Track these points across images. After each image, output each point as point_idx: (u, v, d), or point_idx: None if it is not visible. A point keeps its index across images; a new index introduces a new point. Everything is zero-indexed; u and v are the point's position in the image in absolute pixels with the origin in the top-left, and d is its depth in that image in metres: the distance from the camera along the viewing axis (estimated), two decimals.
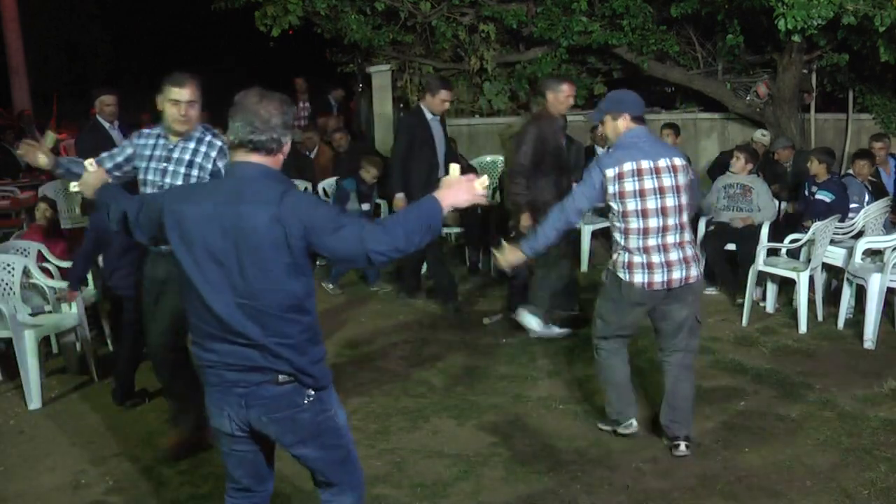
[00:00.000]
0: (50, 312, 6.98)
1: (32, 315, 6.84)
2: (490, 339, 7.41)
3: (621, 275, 5.01)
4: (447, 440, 5.50)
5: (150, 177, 5.00)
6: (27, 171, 13.37)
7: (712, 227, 8.51)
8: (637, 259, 4.95)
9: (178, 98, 4.89)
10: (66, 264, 7.48)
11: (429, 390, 6.36)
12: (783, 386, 6.21)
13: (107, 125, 8.50)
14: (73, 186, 4.22)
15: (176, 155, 4.98)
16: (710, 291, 8.41)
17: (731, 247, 8.33)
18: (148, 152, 5.04)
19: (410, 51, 12.79)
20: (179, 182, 4.89)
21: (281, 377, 3.23)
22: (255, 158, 3.19)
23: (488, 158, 11.33)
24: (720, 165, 9.61)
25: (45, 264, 7.32)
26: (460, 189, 3.26)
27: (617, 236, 5.04)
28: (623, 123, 5.04)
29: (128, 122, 8.85)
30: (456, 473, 5.04)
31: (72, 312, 6.86)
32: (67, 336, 7.00)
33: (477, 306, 8.39)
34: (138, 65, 25.35)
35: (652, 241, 4.92)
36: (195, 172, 4.96)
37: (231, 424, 3.33)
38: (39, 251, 7.39)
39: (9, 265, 6.82)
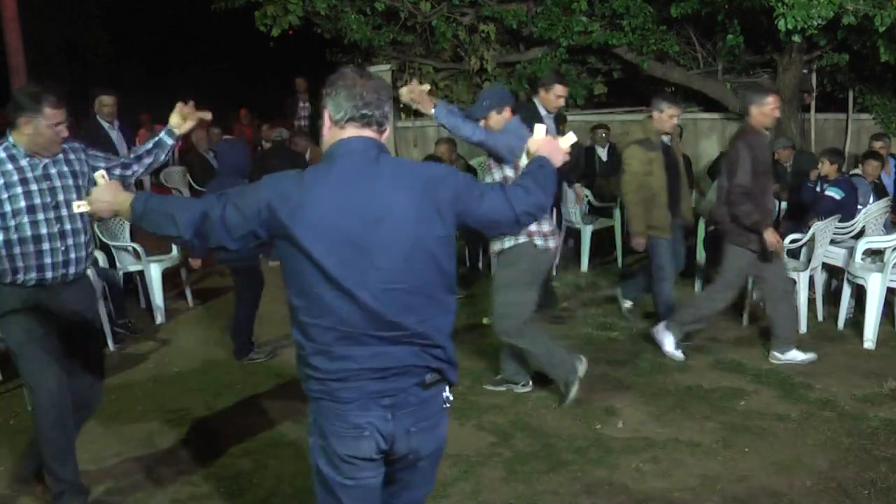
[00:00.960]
0: None
1: None
2: (490, 338, 7.40)
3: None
4: (448, 440, 5.48)
5: (37, 201, 4.45)
6: None
7: (712, 228, 8.50)
8: None
9: (61, 120, 4.47)
10: None
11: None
12: (783, 386, 6.22)
13: (106, 125, 8.50)
14: (79, 206, 3.33)
15: (54, 170, 4.52)
16: None
17: None
18: (17, 177, 4.45)
19: (410, 51, 12.80)
20: (73, 197, 4.48)
21: (428, 377, 2.95)
22: (368, 133, 2.94)
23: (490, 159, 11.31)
24: (717, 168, 9.60)
25: None
26: (552, 149, 3.29)
27: None
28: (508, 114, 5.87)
29: (127, 122, 8.85)
30: (456, 473, 5.03)
31: None
32: None
33: (477, 305, 8.38)
34: (138, 65, 25.38)
35: None
36: (82, 182, 4.61)
37: (371, 446, 2.94)
38: None
39: None
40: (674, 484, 4.84)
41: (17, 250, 4.46)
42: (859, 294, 7.47)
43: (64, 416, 4.64)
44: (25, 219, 4.46)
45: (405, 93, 5.74)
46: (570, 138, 3.42)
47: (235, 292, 7.40)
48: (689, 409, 5.83)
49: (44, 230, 4.50)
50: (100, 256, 8.11)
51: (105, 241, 8.37)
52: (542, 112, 7.47)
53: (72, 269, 4.62)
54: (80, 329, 4.73)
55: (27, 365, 4.56)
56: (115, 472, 5.27)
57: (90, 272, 5.11)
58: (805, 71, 11.32)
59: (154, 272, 8.42)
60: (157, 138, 4.96)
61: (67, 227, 4.57)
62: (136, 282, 8.85)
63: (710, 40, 11.78)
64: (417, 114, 12.72)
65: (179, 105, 4.97)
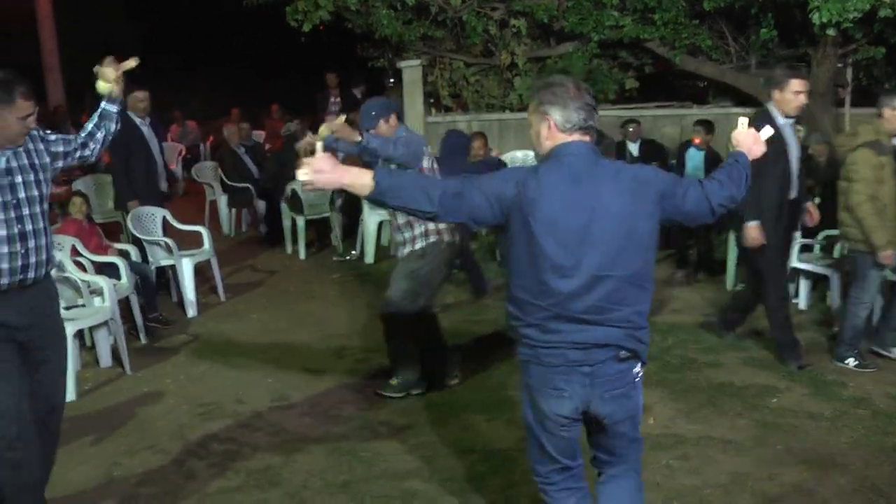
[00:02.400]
0: (83, 306, 7.04)
1: (66, 309, 6.90)
2: None
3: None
4: (478, 435, 5.50)
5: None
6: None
7: None
8: None
9: (31, 112, 4.21)
10: (101, 258, 7.55)
11: (460, 385, 6.36)
12: (816, 384, 6.16)
13: (138, 120, 8.55)
14: (304, 175, 3.23)
15: (15, 164, 4.22)
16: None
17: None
18: None
19: (441, 46, 12.78)
20: (35, 194, 4.28)
21: (622, 353, 3.31)
22: (587, 139, 3.36)
23: (518, 154, 11.30)
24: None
25: (79, 258, 7.38)
26: (753, 142, 3.69)
27: None
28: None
29: (158, 118, 8.92)
30: (487, 468, 5.04)
31: (105, 306, 6.92)
32: (100, 329, 7.05)
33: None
34: (169, 61, 25.51)
35: None
36: (43, 176, 4.35)
37: (569, 407, 3.35)
38: (73, 245, 7.45)
39: None
40: (704, 481, 4.81)
41: None
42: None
43: (23, 436, 4.19)
44: None
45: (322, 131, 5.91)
46: (767, 131, 3.79)
47: None
48: (720, 406, 5.79)
49: (2, 231, 4.12)
50: (132, 251, 8.17)
51: (138, 235, 8.43)
52: (780, 120, 6.19)
53: (31, 274, 4.22)
54: (42, 339, 4.35)
55: None
56: (146, 464, 5.31)
57: (53, 273, 5.02)
58: (840, 65, 11.17)
59: (186, 266, 8.47)
60: (100, 110, 4.74)
61: (28, 227, 4.21)
62: (168, 276, 8.90)
63: (744, 34, 11.66)
64: (448, 109, 12.78)
65: (100, 68, 4.80)
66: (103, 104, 4.74)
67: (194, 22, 25.22)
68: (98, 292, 7.06)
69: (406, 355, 6.16)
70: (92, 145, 4.67)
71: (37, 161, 4.32)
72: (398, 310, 6.03)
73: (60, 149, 4.49)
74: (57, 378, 4.52)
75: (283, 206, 11.05)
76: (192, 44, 25.47)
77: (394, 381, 6.20)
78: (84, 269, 7.26)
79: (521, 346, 3.41)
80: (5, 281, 4.13)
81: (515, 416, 5.69)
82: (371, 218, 10.15)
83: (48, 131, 4.53)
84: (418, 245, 5.99)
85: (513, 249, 3.32)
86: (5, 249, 4.11)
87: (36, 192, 4.28)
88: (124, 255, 7.95)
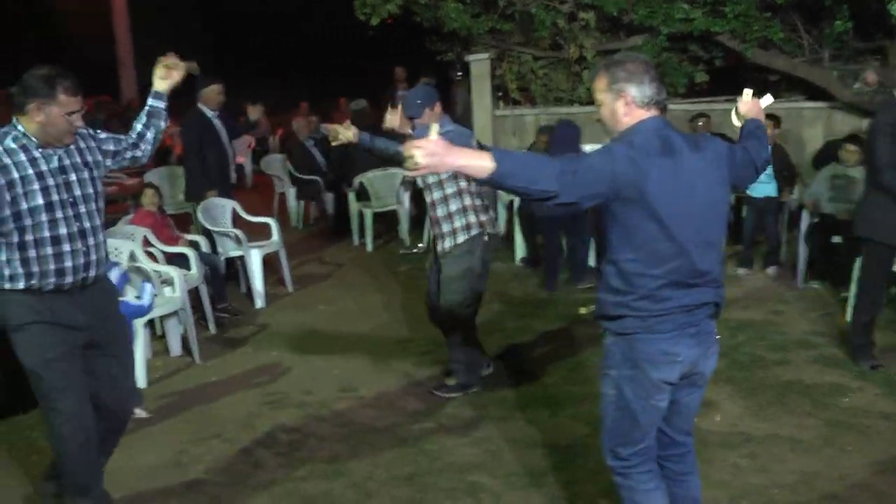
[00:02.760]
0: (154, 296, 7.16)
1: (137, 298, 7.02)
2: (587, 328, 7.36)
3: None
4: (542, 430, 5.49)
5: (54, 197, 4.13)
6: None
7: (817, 219, 8.30)
8: None
9: (76, 109, 4.16)
10: (172, 249, 7.68)
11: (525, 379, 6.36)
12: (889, 383, 6.03)
13: (210, 114, 8.68)
14: (412, 157, 3.04)
15: (68, 162, 4.21)
16: (814, 286, 8.24)
17: (836, 239, 8.09)
18: (31, 171, 4.09)
19: (509, 39, 12.75)
20: (91, 192, 4.29)
21: (714, 310, 3.53)
22: (661, 115, 3.47)
23: (587, 148, 11.23)
24: (826, 155, 9.36)
25: (151, 249, 7.51)
26: (757, 109, 4.04)
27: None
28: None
29: (227, 110, 9.05)
30: (550, 463, 5.03)
31: (175, 296, 7.04)
32: (171, 319, 7.17)
33: (574, 295, 8.34)
34: (238, 54, 25.83)
35: None
36: (97, 173, 4.35)
37: (678, 370, 3.46)
38: (145, 236, 7.58)
39: (116, 249, 7.01)
40: (772, 480, 4.74)
41: (32, 253, 4.08)
42: None
43: (87, 440, 4.31)
44: (44, 217, 4.08)
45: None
46: (767, 99, 4.11)
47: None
48: (789, 405, 5.71)
49: (63, 230, 4.12)
50: (202, 242, 8.29)
51: (208, 226, 8.56)
52: None
53: (92, 272, 4.26)
54: (106, 337, 4.39)
55: (44, 387, 4.19)
56: (214, 452, 5.39)
57: (115, 271, 5.08)
58: None
59: (255, 257, 8.57)
60: (147, 108, 4.63)
61: (87, 225, 4.22)
62: (237, 267, 9.02)
63: (817, 26, 11.45)
64: (515, 102, 12.76)
65: (162, 58, 4.62)
66: (151, 101, 4.64)
67: (264, 16, 25.49)
68: (169, 282, 7.18)
69: (466, 356, 6.13)
70: (143, 146, 4.62)
71: (89, 159, 4.30)
72: (459, 313, 6.01)
73: (111, 147, 4.46)
74: (122, 371, 4.53)
75: (351, 199, 11.12)
76: (262, 37, 25.76)
77: (450, 381, 6.20)
78: (155, 260, 7.39)
79: (626, 320, 3.41)
80: (69, 279, 4.16)
81: (579, 411, 5.68)
82: None
83: (98, 130, 4.53)
84: (460, 238, 5.91)
85: (625, 224, 3.34)
86: (67, 247, 4.14)
87: (91, 190, 4.27)
88: (194, 246, 8.07)
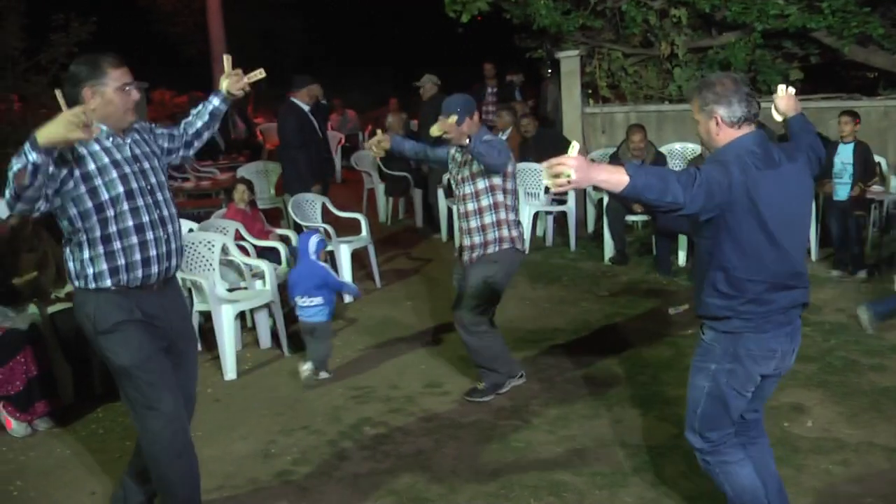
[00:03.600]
0: (245, 289, 7.30)
1: (229, 291, 7.17)
2: (676, 329, 7.28)
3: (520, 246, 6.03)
4: (628, 430, 5.45)
5: (134, 185, 4.00)
6: (227, 154, 14.01)
7: None
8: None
9: (128, 80, 4.02)
10: (263, 243, 7.80)
11: (611, 378, 6.32)
12: None
13: (306, 108, 8.84)
14: (562, 174, 3.18)
15: (139, 151, 4.11)
16: None
17: None
18: (107, 159, 3.97)
19: (599, 36, 12.65)
20: (163, 179, 4.20)
21: (803, 308, 3.82)
22: (754, 127, 3.71)
23: (677, 146, 11.10)
24: None
25: (243, 242, 7.64)
26: (794, 103, 4.33)
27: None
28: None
29: (316, 107, 9.22)
30: (636, 464, 4.99)
31: (266, 289, 7.15)
32: (261, 311, 7.29)
33: (663, 296, 8.25)
34: (328, 51, 26.11)
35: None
36: (161, 163, 4.26)
37: (774, 365, 3.77)
38: (237, 230, 7.72)
39: (209, 242, 7.15)
40: (865, 489, 4.63)
41: (117, 244, 3.95)
42: None
43: (185, 444, 4.20)
44: (125, 206, 3.95)
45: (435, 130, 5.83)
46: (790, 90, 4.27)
47: None
48: (885, 412, 5.56)
49: (145, 217, 4.00)
50: (293, 236, 8.40)
51: (298, 221, 8.67)
52: None
53: (174, 261, 4.18)
54: (182, 337, 4.31)
55: (142, 387, 4.03)
56: (301, 444, 5.47)
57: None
58: None
59: (344, 252, 8.66)
60: (211, 107, 4.53)
61: (165, 212, 4.11)
62: (326, 261, 9.11)
63: None
64: (605, 100, 12.66)
65: (231, 71, 4.55)
66: (217, 103, 4.53)
67: (354, 12, 25.71)
68: (260, 276, 7.30)
69: (491, 358, 6.05)
70: (196, 144, 4.54)
71: (156, 148, 4.23)
72: (474, 322, 5.93)
73: (165, 144, 4.36)
74: (194, 371, 4.47)
75: (440, 195, 11.16)
76: (352, 34, 25.99)
77: (480, 386, 6.12)
78: (247, 253, 7.52)
79: (732, 321, 3.68)
80: (155, 269, 4.04)
81: (667, 412, 5.62)
82: (526, 208, 10.15)
83: (154, 124, 4.46)
84: (490, 250, 5.89)
85: (732, 234, 3.57)
86: (151, 235, 4.02)
87: (163, 178, 4.19)
88: (285, 240, 8.18)
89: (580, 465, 5.01)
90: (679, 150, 11.02)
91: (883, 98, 11.21)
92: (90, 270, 3.95)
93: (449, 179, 5.96)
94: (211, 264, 7.09)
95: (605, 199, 9.68)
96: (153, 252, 4.04)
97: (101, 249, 3.93)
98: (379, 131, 6.11)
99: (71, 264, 4.01)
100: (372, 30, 25.85)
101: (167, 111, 17.65)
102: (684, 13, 11.79)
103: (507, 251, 5.92)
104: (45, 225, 6.65)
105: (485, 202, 5.87)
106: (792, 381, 5.92)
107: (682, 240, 9.05)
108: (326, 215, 9.12)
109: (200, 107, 4.57)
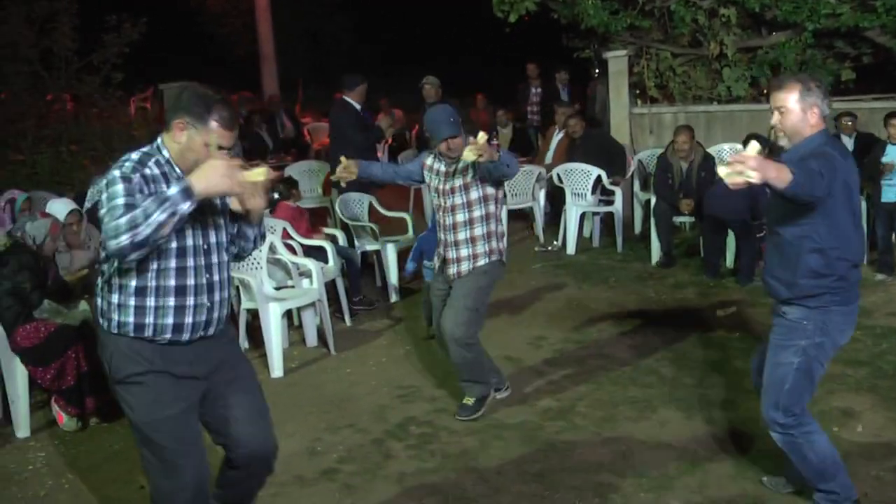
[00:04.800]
0: (292, 287, 7.35)
1: (276, 289, 7.22)
2: (723, 331, 7.22)
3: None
4: (674, 432, 5.42)
5: (188, 242, 3.59)
6: (274, 153, 14.12)
7: None
8: None
9: (226, 146, 3.57)
10: (310, 242, 7.85)
11: (658, 380, 6.28)
12: None
13: (358, 107, 8.94)
14: (748, 174, 3.42)
15: (207, 202, 3.57)
16: None
17: None
18: None
19: (648, 36, 12.59)
20: (224, 240, 3.73)
21: None
22: None
23: (726, 146, 11.00)
24: None
25: (290, 241, 7.69)
26: None
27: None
28: None
29: (366, 106, 9.29)
30: (682, 467, 4.96)
31: (313, 288, 7.20)
32: (308, 310, 7.34)
33: (710, 298, 8.19)
34: (376, 51, 26.19)
35: None
36: (225, 219, 3.79)
37: (851, 334, 4.29)
38: (284, 228, 7.77)
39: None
40: None
41: (151, 302, 3.53)
42: None
43: None
44: (173, 263, 3.53)
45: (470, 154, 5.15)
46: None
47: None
48: None
49: (191, 280, 3.57)
50: (340, 235, 8.45)
51: (345, 220, 8.72)
52: None
53: (212, 330, 3.70)
54: (231, 376, 3.83)
55: (161, 451, 3.62)
56: (347, 442, 5.51)
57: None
58: None
59: (390, 252, 8.68)
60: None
61: (216, 277, 3.67)
62: (372, 260, 9.16)
63: None
64: (654, 100, 12.59)
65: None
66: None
67: (402, 12, 25.79)
68: (307, 274, 7.35)
69: (482, 371, 5.85)
70: (241, 243, 3.88)
71: (227, 202, 3.76)
72: (469, 336, 5.69)
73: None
74: (263, 410, 3.95)
75: None
76: (400, 33, 26.07)
77: (468, 401, 5.85)
78: (294, 252, 7.57)
79: (825, 297, 4.07)
80: (186, 336, 3.60)
81: (713, 415, 5.59)
82: (573, 209, 10.12)
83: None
84: (481, 262, 5.64)
85: (831, 218, 3.98)
86: (191, 301, 3.58)
87: (224, 239, 3.74)
88: (332, 239, 8.23)
89: (625, 467, 4.99)
90: (728, 151, 10.91)
91: None
92: (115, 316, 3.56)
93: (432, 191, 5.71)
94: (259, 263, 7.15)
95: (653, 201, 9.62)
96: (189, 319, 3.60)
97: (131, 301, 3.53)
98: (343, 158, 5.77)
99: (99, 300, 3.65)
100: (420, 29, 25.89)
101: None
102: (733, 12, 11.70)
103: (495, 263, 5.72)
104: (93, 221, 6.77)
105: (477, 213, 5.62)
106: (842, 386, 5.85)
107: (730, 242, 8.96)
108: (373, 214, 9.15)
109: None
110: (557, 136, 11.33)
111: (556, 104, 12.39)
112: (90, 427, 5.95)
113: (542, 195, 10.92)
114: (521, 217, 11.42)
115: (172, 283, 3.55)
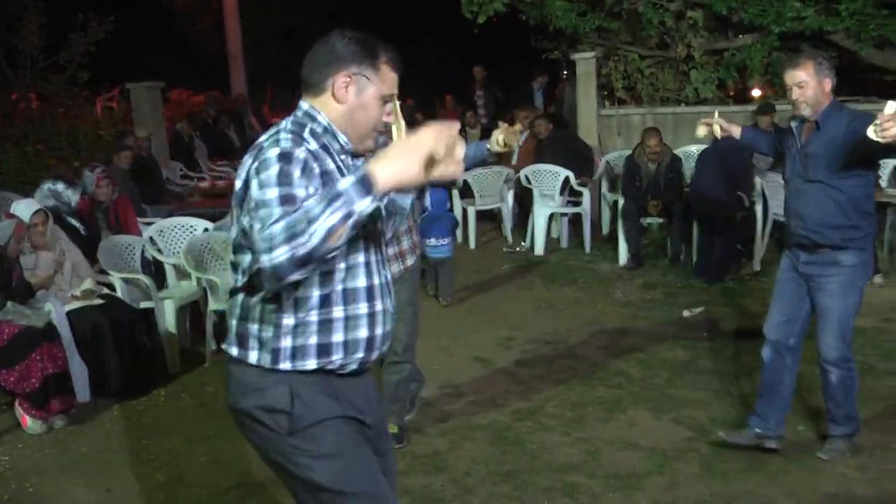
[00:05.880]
0: None
1: None
2: (691, 332, 7.27)
3: None
4: (643, 432, 5.44)
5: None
6: (243, 153, 14.05)
7: None
8: None
9: (393, 91, 2.77)
10: None
11: (626, 381, 6.31)
12: None
13: None
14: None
15: None
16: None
17: None
18: None
19: (616, 37, 12.65)
20: (403, 227, 3.63)
21: None
22: None
23: (692, 148, 11.06)
24: None
25: None
26: None
27: None
28: None
29: None
30: (651, 466, 4.98)
31: None
32: None
33: (678, 299, 8.24)
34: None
35: None
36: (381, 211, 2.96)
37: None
38: None
39: (224, 242, 7.17)
40: (882, 494, 4.60)
41: (339, 311, 2.66)
42: None
43: None
44: (361, 258, 2.70)
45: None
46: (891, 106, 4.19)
47: None
48: None
49: (376, 279, 2.75)
50: None
51: None
52: None
53: (384, 346, 2.85)
54: (384, 431, 3.06)
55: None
56: None
57: None
58: None
59: None
60: None
61: (386, 278, 2.84)
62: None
63: None
64: (622, 102, 12.65)
65: None
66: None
67: (378, 13, 25.75)
68: None
69: (407, 391, 5.51)
70: (396, 220, 3.11)
71: None
72: (412, 341, 5.35)
73: None
74: (394, 475, 3.09)
75: (455, 196, 11.17)
76: (379, 33, 26.01)
77: (397, 430, 5.27)
78: None
79: (868, 239, 4.74)
80: (375, 356, 2.80)
81: (682, 414, 5.62)
82: (542, 210, 10.15)
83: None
84: (409, 261, 5.17)
85: (869, 175, 4.68)
86: (380, 306, 2.76)
87: (402, 225, 3.18)
88: None
89: (595, 467, 5.00)
90: (695, 153, 10.98)
91: None
92: (285, 343, 2.64)
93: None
94: (226, 262, 7.10)
95: (621, 202, 9.66)
96: (379, 331, 2.76)
97: (313, 315, 2.63)
98: None
99: (252, 326, 2.67)
100: (393, 30, 25.88)
101: (184, 110, 17.69)
102: (701, 15, 11.78)
103: (417, 260, 5.31)
104: (58, 221, 6.71)
105: None
106: (808, 385, 5.90)
107: (696, 243, 9.02)
108: None
109: None
110: (521, 138, 11.36)
111: (517, 107, 12.48)
112: (55, 430, 5.89)
113: (510, 196, 10.94)
114: (489, 218, 11.44)
115: (362, 283, 2.71)
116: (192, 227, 7.83)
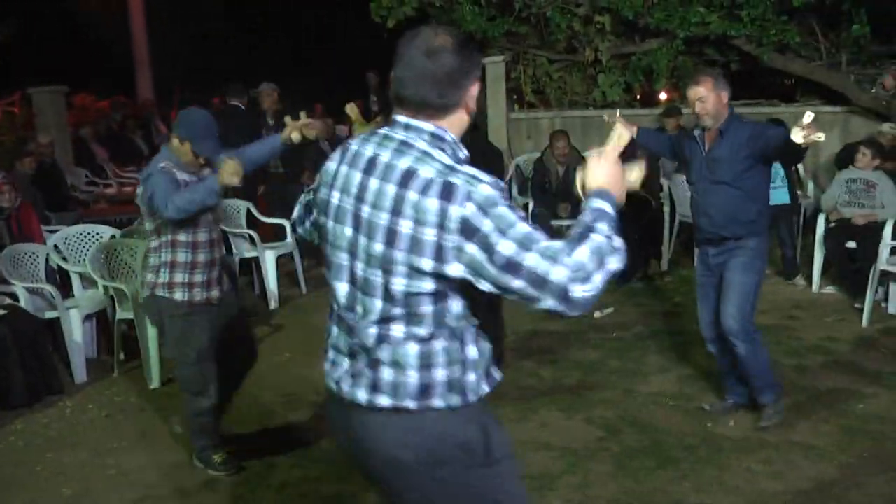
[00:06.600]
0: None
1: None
2: (601, 333, 7.36)
3: None
4: (555, 433, 5.48)
5: None
6: (149, 159, 13.82)
7: (832, 224, 8.23)
8: None
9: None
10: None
11: (538, 382, 6.35)
12: None
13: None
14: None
15: None
16: (830, 290, 8.21)
17: (851, 244, 8.00)
18: None
19: (525, 42, 12.75)
20: None
21: None
22: None
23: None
24: (843, 159, 9.31)
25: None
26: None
27: None
28: None
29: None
30: (563, 466, 5.02)
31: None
32: None
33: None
34: (262, 58, 25.81)
35: None
36: None
37: None
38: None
39: (132, 249, 7.04)
40: (787, 486, 4.72)
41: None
42: None
43: None
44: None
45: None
46: (808, 117, 4.82)
47: None
48: (803, 411, 5.67)
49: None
50: None
51: (222, 227, 8.57)
52: None
53: None
54: None
55: None
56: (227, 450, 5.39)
57: None
58: None
59: (269, 259, 8.59)
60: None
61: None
62: (251, 268, 9.04)
63: (834, 30, 11.42)
64: (531, 105, 12.75)
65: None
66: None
67: (288, 23, 25.51)
68: None
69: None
70: None
71: None
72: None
73: None
74: None
75: None
76: (285, 42, 25.75)
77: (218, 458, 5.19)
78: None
79: (764, 225, 5.26)
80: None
81: (593, 414, 5.68)
82: None
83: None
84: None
85: (763, 172, 5.30)
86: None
87: None
88: None
89: None
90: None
91: (800, 104, 11.50)
92: (472, 375, 2.54)
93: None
94: (134, 271, 6.97)
95: (531, 205, 9.73)
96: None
97: (484, 342, 2.59)
98: (225, 159, 4.90)
99: (435, 368, 2.49)
100: (304, 36, 25.63)
101: (89, 116, 17.30)
102: (608, 20, 11.94)
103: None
104: None
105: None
106: (715, 383, 6.01)
107: None
108: (251, 221, 9.04)
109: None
110: None
111: None
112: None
113: None
114: None
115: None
116: (98, 234, 7.66)
